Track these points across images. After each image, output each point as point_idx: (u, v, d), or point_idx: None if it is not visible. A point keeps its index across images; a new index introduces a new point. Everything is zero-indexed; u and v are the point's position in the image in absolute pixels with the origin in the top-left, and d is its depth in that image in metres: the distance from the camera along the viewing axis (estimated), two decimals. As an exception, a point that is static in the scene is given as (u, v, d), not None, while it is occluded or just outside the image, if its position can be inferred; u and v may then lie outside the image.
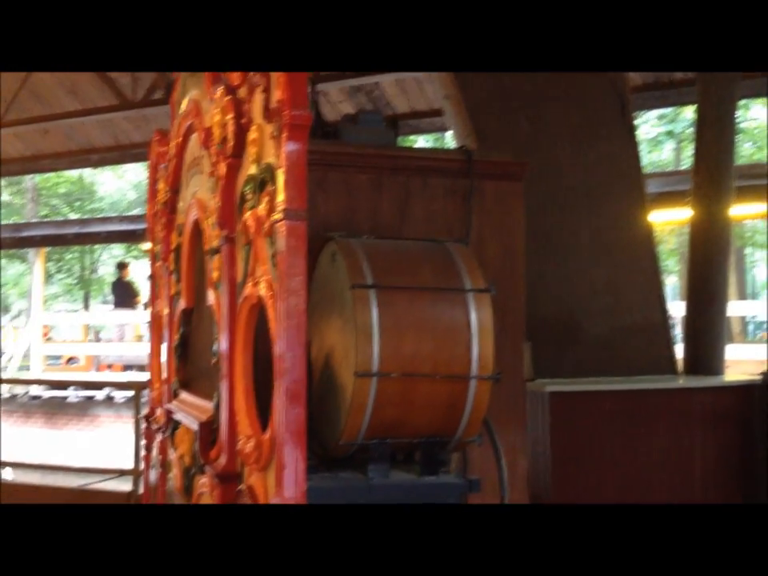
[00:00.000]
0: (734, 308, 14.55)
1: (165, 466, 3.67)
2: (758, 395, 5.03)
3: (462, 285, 2.57)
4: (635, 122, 5.81)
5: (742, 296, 19.33)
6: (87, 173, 31.41)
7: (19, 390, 14.27)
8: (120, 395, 13.23)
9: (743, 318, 18.18)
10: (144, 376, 6.94)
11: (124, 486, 6.36)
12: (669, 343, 5.46)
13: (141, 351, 13.93)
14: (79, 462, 8.92)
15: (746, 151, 18.18)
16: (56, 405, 13.92)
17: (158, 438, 3.83)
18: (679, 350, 5.69)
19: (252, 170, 2.33)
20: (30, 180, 28.55)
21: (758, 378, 5.15)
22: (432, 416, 2.52)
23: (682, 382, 5.28)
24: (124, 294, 15.61)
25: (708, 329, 5.51)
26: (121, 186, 33.83)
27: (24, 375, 16.09)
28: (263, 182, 2.20)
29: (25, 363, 16.81)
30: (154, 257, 4.25)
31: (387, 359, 2.42)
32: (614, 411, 4.92)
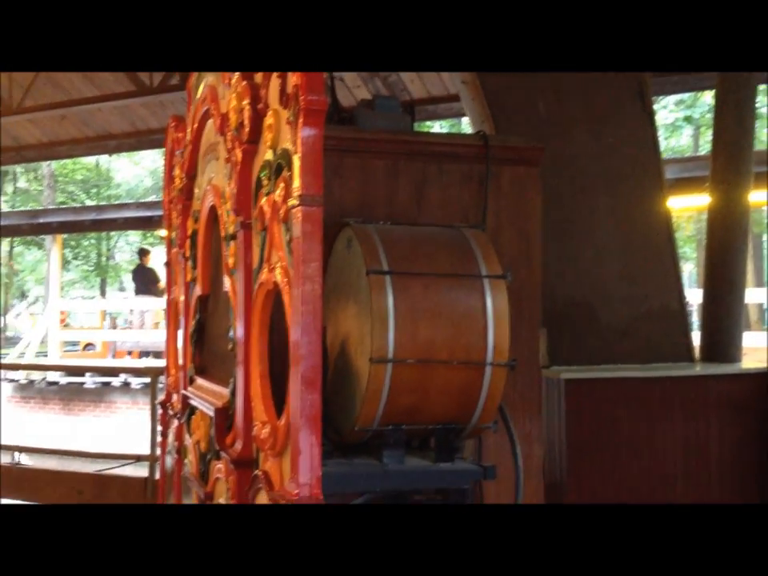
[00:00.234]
0: (752, 295, 14.44)
1: (181, 451, 3.69)
2: (775, 383, 5.00)
3: (478, 271, 2.56)
4: (653, 107, 5.75)
5: (760, 283, 19.18)
6: (104, 159, 31.51)
7: (36, 375, 14.37)
8: (136, 381, 13.31)
9: (761, 305, 18.05)
10: (161, 362, 6.97)
11: (140, 471, 6.40)
12: (686, 330, 5.42)
13: (158, 337, 14.01)
14: (96, 447, 8.99)
15: (765, 136, 18.02)
16: (73, 391, 14.02)
17: (174, 423, 3.84)
18: (696, 338, 5.66)
19: (268, 155, 2.33)
20: (47, 166, 28.67)
21: (776, 365, 5.11)
22: (447, 402, 2.52)
23: (698, 369, 5.25)
24: (145, 281, 15.67)
25: (725, 316, 5.47)
26: (137, 172, 33.92)
27: (41, 361, 16.22)
28: (279, 167, 2.20)
29: (42, 349, 16.94)
30: (170, 243, 4.25)
31: (403, 345, 2.42)
32: (631, 399, 4.90)
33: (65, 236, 20.16)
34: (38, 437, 11.62)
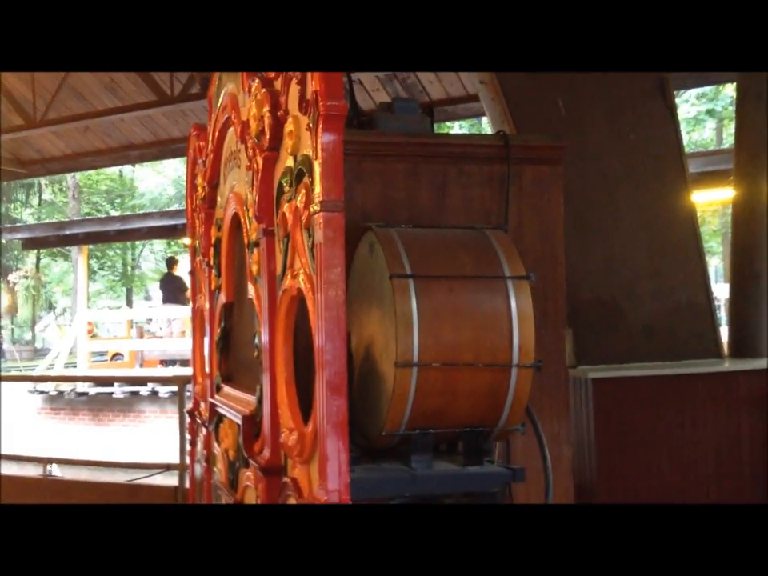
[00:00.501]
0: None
1: (210, 460, 3.70)
2: (805, 377, 4.94)
3: (502, 272, 2.55)
4: (675, 101, 5.71)
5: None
6: (127, 169, 31.82)
7: (66, 387, 14.49)
8: (164, 390, 13.39)
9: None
10: (188, 370, 7.01)
11: (170, 480, 6.42)
12: (714, 326, 5.37)
13: (184, 346, 14.08)
14: (126, 457, 9.05)
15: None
16: (102, 401, 14.14)
17: (203, 432, 3.86)
18: (724, 333, 5.60)
19: (289, 162, 2.33)
20: (72, 178, 28.97)
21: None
22: (474, 405, 2.50)
23: (727, 365, 5.19)
24: (173, 289, 15.76)
25: (753, 310, 5.41)
26: (160, 181, 34.20)
27: (70, 372, 16.35)
28: (300, 173, 2.20)
29: (71, 360, 17.08)
30: (194, 252, 4.27)
31: (428, 349, 2.41)
32: (659, 397, 4.86)
33: (90, 246, 20.31)
34: (69, 448, 11.73)
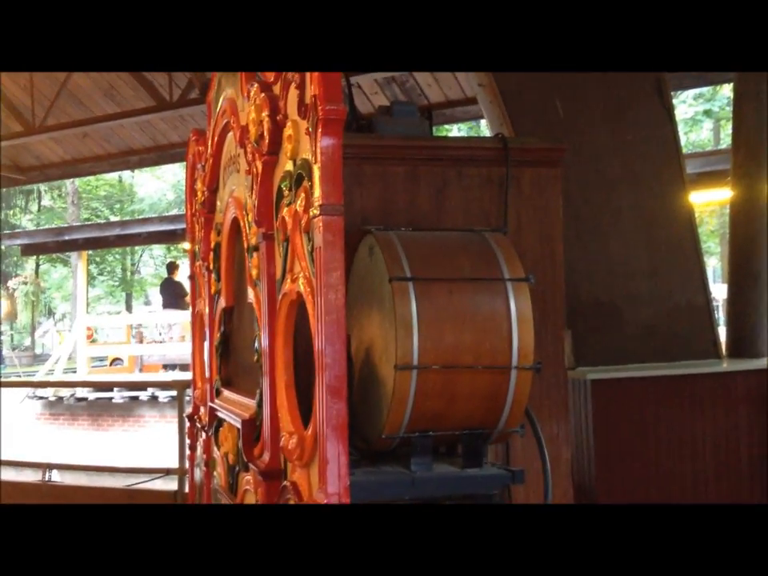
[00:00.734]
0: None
1: (209, 464, 3.70)
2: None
3: (501, 274, 2.55)
4: (672, 102, 5.72)
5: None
6: (126, 175, 31.83)
7: (65, 392, 14.48)
8: (164, 395, 13.38)
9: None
10: (187, 375, 7.01)
11: (170, 484, 6.42)
12: (712, 326, 5.38)
13: (184, 350, 14.08)
14: (125, 462, 9.04)
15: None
16: (101, 406, 14.13)
17: (202, 436, 3.86)
18: (722, 333, 5.61)
19: (288, 166, 2.34)
20: (71, 184, 28.99)
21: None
22: (473, 407, 2.51)
23: (726, 365, 5.20)
24: (173, 294, 15.76)
25: (751, 311, 5.42)
26: (159, 186, 34.22)
27: (70, 378, 16.34)
28: (299, 177, 2.21)
29: (70, 366, 17.08)
30: (193, 256, 4.28)
31: (427, 351, 2.42)
32: (658, 397, 4.87)
33: (90, 252, 20.33)
34: (68, 453, 11.71)
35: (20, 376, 22.23)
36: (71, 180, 26.98)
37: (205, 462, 3.78)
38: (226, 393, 3.43)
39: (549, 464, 2.78)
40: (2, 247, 26.51)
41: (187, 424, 4.46)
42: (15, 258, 32.25)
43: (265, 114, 2.47)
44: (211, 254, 3.62)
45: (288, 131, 2.32)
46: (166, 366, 16.00)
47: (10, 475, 7.49)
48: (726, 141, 21.97)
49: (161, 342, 17.73)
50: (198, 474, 4.10)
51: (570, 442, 3.26)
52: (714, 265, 24.95)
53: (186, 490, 5.56)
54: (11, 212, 33.54)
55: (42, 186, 30.96)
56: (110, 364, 19.97)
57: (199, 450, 4.04)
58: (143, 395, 13.82)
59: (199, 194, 3.82)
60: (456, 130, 23.21)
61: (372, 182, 3.06)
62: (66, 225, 24.95)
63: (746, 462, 4.90)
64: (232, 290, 3.40)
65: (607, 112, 5.40)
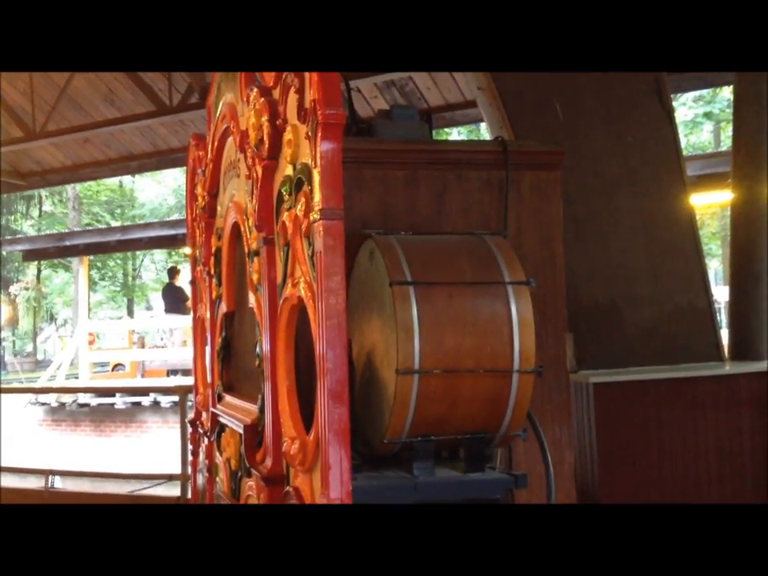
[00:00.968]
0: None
1: (212, 470, 3.70)
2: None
3: (502, 278, 2.55)
4: (672, 105, 5.72)
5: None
6: (127, 180, 31.86)
7: (67, 398, 14.47)
8: (166, 400, 13.38)
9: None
10: (189, 380, 7.01)
11: (173, 490, 6.42)
12: (714, 329, 5.37)
13: (185, 355, 14.08)
14: (128, 468, 9.04)
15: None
16: (104, 412, 14.11)
17: (205, 442, 3.86)
18: (724, 336, 5.60)
19: (288, 170, 2.34)
20: (72, 189, 29.00)
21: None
22: (475, 411, 2.51)
23: (728, 368, 5.19)
24: (174, 299, 15.76)
25: (753, 312, 5.41)
26: (160, 191, 34.24)
27: (72, 383, 16.34)
28: (299, 182, 2.21)
29: (72, 371, 17.07)
30: (194, 261, 4.28)
31: (428, 356, 2.41)
32: (660, 400, 4.86)
33: (91, 257, 20.32)
34: (71, 459, 11.71)
35: (22, 382, 22.23)
36: (72, 185, 27.04)
37: (207, 467, 3.77)
38: (228, 398, 3.43)
39: (552, 468, 2.78)
40: (4, 253, 26.55)
41: (189, 429, 4.45)
42: (16, 264, 32.26)
43: (264, 118, 2.47)
44: (212, 258, 3.62)
45: (288, 136, 2.32)
46: (169, 372, 15.99)
47: (12, 482, 7.49)
48: (726, 143, 21.96)
49: (162, 347, 17.73)
50: (201, 479, 4.10)
51: (573, 446, 3.25)
52: (716, 267, 24.94)
53: (189, 495, 5.56)
54: (12, 218, 33.56)
55: (43, 192, 30.97)
56: (112, 370, 19.96)
57: (201, 456, 4.04)
58: (145, 401, 13.81)
59: (200, 198, 3.82)
60: (456, 134, 23.22)
61: (372, 186, 3.06)
62: (67, 230, 24.99)
63: (749, 465, 4.89)
64: (233, 294, 3.40)
65: (607, 115, 5.40)
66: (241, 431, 2.84)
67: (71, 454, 12.68)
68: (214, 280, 3.60)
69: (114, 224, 29.86)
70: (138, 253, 31.45)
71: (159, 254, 33.12)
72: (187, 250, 5.23)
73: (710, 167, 10.04)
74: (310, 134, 2.10)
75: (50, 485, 7.04)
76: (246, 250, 2.88)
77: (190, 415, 4.47)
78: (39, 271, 33.92)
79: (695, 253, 5.42)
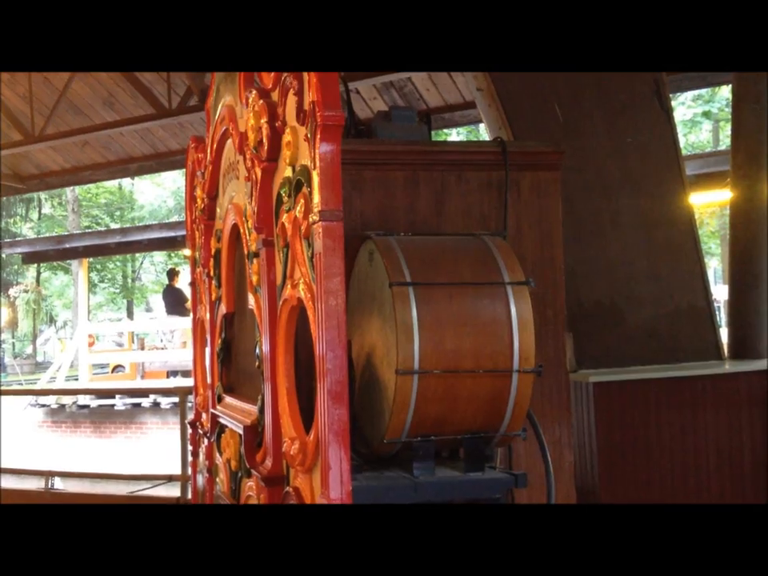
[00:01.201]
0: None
1: (212, 470, 3.70)
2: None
3: (501, 278, 2.55)
4: (671, 104, 5.72)
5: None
6: (126, 182, 31.86)
7: (67, 400, 14.48)
8: (166, 401, 13.38)
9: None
10: (189, 381, 7.02)
11: (173, 491, 6.42)
12: (713, 328, 5.37)
13: (185, 357, 14.08)
14: (128, 469, 9.04)
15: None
16: (104, 413, 14.12)
17: (205, 442, 3.86)
18: (724, 335, 5.60)
19: (287, 172, 2.34)
20: (71, 192, 28.99)
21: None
22: (475, 411, 2.51)
23: (728, 367, 5.19)
24: (174, 301, 15.77)
25: (752, 311, 5.41)
26: (159, 193, 34.26)
27: (72, 385, 16.34)
28: (299, 183, 2.21)
29: (72, 373, 17.07)
30: (194, 263, 4.28)
31: (428, 356, 2.42)
32: (660, 399, 4.86)
33: (90, 259, 20.33)
34: (71, 461, 11.71)
35: (22, 384, 22.24)
36: (71, 188, 27.00)
37: (207, 468, 3.78)
38: (228, 399, 3.43)
39: (551, 467, 2.78)
40: (3, 255, 26.55)
41: (189, 430, 4.46)
42: (16, 267, 32.29)
43: (263, 120, 2.47)
44: (212, 260, 3.63)
45: (287, 137, 2.32)
46: (169, 373, 16.00)
47: (12, 483, 7.49)
48: (725, 142, 21.98)
49: (162, 349, 17.73)
50: (201, 480, 4.10)
51: (573, 445, 3.26)
52: (715, 266, 24.95)
53: (189, 496, 5.56)
54: (12, 220, 33.58)
55: (43, 195, 31.00)
56: (112, 371, 19.97)
57: (201, 457, 4.04)
58: (145, 402, 13.82)
59: (199, 200, 3.82)
60: (455, 134, 23.23)
61: (371, 187, 3.07)
62: (66, 233, 24.97)
63: (749, 463, 4.90)
64: (233, 296, 3.41)
65: (606, 114, 5.41)
66: (241, 432, 2.85)
67: (71, 456, 12.68)
68: (213, 281, 3.61)
69: (114, 226, 29.87)
70: (137, 255, 31.44)
71: (159, 256, 33.11)
72: (187, 251, 5.23)
73: (709, 166, 10.05)
74: (309, 135, 2.10)
75: (50, 486, 7.04)
76: (246, 252, 2.88)
77: (190, 416, 4.47)
78: (39, 273, 33.92)
79: (694, 252, 5.43)
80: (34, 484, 7.40)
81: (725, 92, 19.31)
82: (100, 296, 34.44)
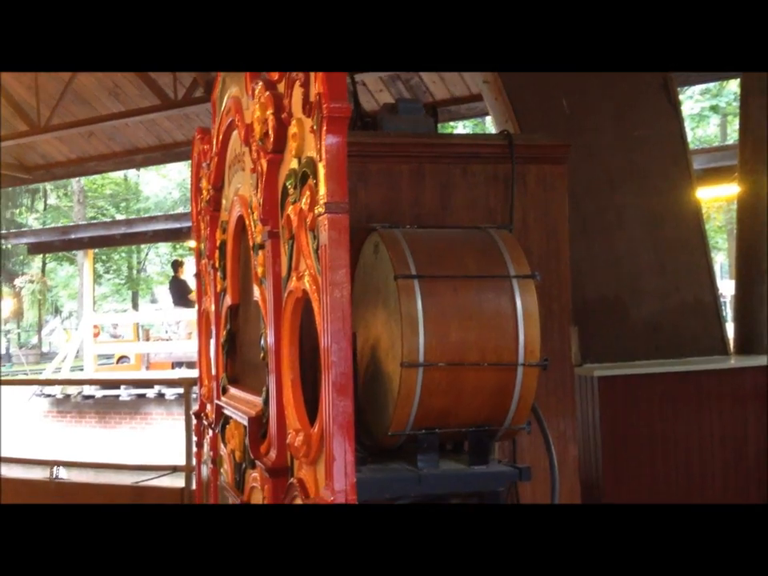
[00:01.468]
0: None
1: (216, 461, 3.71)
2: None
3: (507, 272, 2.55)
4: (679, 98, 5.70)
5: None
6: (132, 173, 31.89)
7: (72, 390, 14.52)
8: (171, 392, 13.42)
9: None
10: (194, 372, 7.03)
11: (177, 482, 6.44)
12: (719, 323, 5.36)
13: (190, 348, 14.12)
14: (133, 459, 9.06)
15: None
16: (109, 404, 14.17)
17: (209, 433, 3.87)
18: (730, 330, 5.59)
19: (293, 164, 2.34)
20: (77, 183, 29.03)
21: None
22: (480, 404, 2.51)
23: (733, 362, 5.19)
24: (180, 293, 15.80)
25: (759, 307, 5.40)
26: (165, 184, 34.28)
27: (77, 375, 16.40)
28: (304, 176, 2.21)
29: (77, 364, 17.13)
30: (199, 254, 4.29)
31: (433, 349, 2.42)
32: (665, 394, 4.86)
33: (96, 250, 20.38)
34: (75, 450, 11.75)
35: (27, 374, 22.31)
36: (77, 179, 27.04)
37: (212, 459, 3.78)
38: (233, 390, 3.44)
39: (556, 461, 2.78)
40: (9, 246, 26.61)
41: (194, 421, 4.47)
42: (22, 257, 32.35)
43: (269, 112, 2.47)
44: (217, 251, 3.62)
45: (293, 129, 2.32)
46: (174, 364, 16.05)
47: (17, 472, 7.52)
48: (732, 136, 21.92)
49: (167, 340, 17.77)
50: (205, 471, 4.11)
51: (577, 439, 3.25)
52: (722, 261, 24.90)
53: (193, 487, 5.58)
54: (17, 211, 33.64)
55: (48, 185, 31.04)
56: (117, 362, 20.03)
57: (206, 448, 4.05)
58: (150, 393, 13.86)
59: (204, 192, 3.82)
60: (461, 127, 23.19)
61: (377, 179, 3.06)
62: (71, 223, 25.01)
63: (753, 458, 4.89)
64: (238, 287, 3.41)
65: (613, 108, 5.39)
66: (245, 423, 2.85)
67: (76, 446, 12.73)
68: (218, 273, 3.61)
69: (119, 217, 29.91)
70: (142, 246, 31.49)
71: (164, 248, 33.14)
72: (192, 243, 5.24)
73: (716, 161, 10.02)
74: (315, 127, 2.10)
75: (54, 476, 7.06)
76: (251, 244, 2.88)
77: (195, 407, 4.48)
78: (44, 264, 34.00)
79: (701, 246, 5.42)
80: (38, 474, 7.43)
81: (733, 86, 19.24)
82: (105, 287, 34.51)
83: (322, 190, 2.04)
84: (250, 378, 3.29)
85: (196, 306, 4.47)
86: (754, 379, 4.96)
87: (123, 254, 33.47)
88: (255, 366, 3.03)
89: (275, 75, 2.54)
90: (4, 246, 29.02)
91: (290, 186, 2.36)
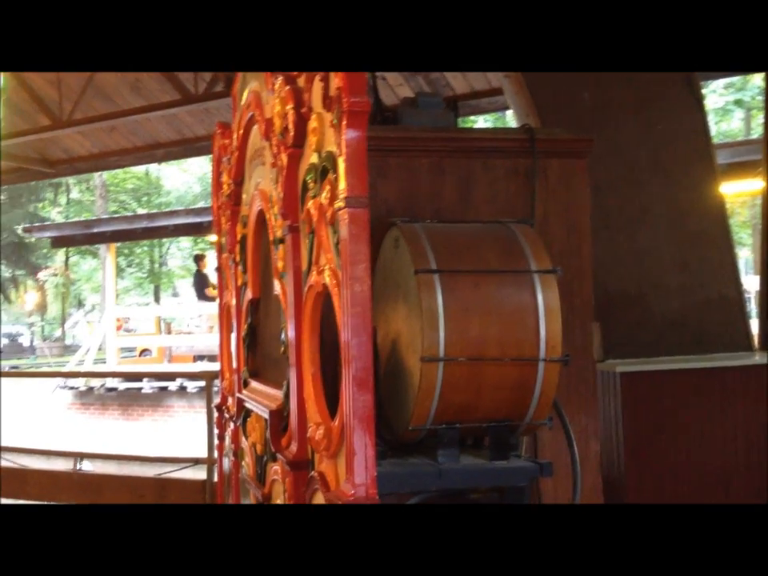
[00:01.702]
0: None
1: (238, 454, 3.73)
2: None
3: (528, 266, 2.53)
4: (702, 92, 5.65)
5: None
6: (153, 168, 32.04)
7: (96, 382, 14.64)
8: (192, 385, 13.49)
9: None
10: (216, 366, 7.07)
11: (199, 474, 6.48)
12: (744, 319, 5.31)
13: (212, 341, 14.18)
14: (155, 451, 9.13)
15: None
16: (131, 396, 14.26)
17: (231, 426, 3.88)
18: (754, 325, 5.54)
19: (313, 158, 2.34)
20: (99, 177, 29.21)
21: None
22: (501, 400, 2.50)
23: (758, 358, 5.14)
24: (202, 286, 15.88)
25: (783, 302, 5.36)
26: (186, 179, 34.43)
27: (100, 368, 16.52)
28: (324, 170, 2.21)
29: (100, 356, 17.26)
30: (220, 249, 4.30)
31: (454, 344, 2.41)
32: (688, 390, 4.82)
33: (118, 244, 20.50)
34: (99, 442, 11.85)
35: (51, 366, 22.52)
36: (99, 173, 27.21)
37: (233, 451, 3.80)
38: (254, 384, 3.45)
39: (578, 457, 2.76)
40: (33, 239, 26.83)
41: (216, 414, 4.49)
42: (45, 251, 32.64)
43: (289, 106, 2.47)
44: (238, 246, 3.63)
45: (313, 124, 2.32)
46: (195, 358, 16.14)
47: (41, 464, 7.60)
48: (757, 131, 21.69)
49: (189, 333, 17.86)
50: (227, 463, 4.13)
51: (599, 436, 3.24)
52: (746, 256, 24.68)
53: (215, 479, 5.61)
54: (41, 205, 33.93)
55: (71, 180, 31.25)
56: (139, 355, 20.16)
57: (227, 440, 4.07)
58: (172, 386, 13.94)
59: (225, 186, 3.83)
60: (482, 121, 23.11)
61: (397, 174, 3.05)
62: (94, 217, 25.18)
63: (778, 456, 4.85)
64: (258, 281, 3.41)
65: (636, 102, 5.35)
66: (266, 416, 2.86)
67: (99, 437, 12.83)
68: (239, 267, 3.62)
69: (141, 211, 30.08)
70: (164, 240, 31.68)
71: (185, 242, 33.29)
72: (213, 237, 5.25)
73: (740, 155, 9.91)
74: (335, 122, 2.09)
75: (78, 467, 7.13)
76: (271, 238, 2.88)
77: (216, 400, 4.50)
78: (67, 258, 34.29)
79: (725, 242, 5.37)
80: (62, 465, 7.50)
81: (757, 80, 19.04)
82: (127, 281, 34.73)
83: (342, 184, 2.04)
84: (271, 371, 3.30)
85: (216, 300, 4.49)
86: (778, 376, 4.91)
87: (145, 248, 33.69)
88: (276, 359, 3.03)
89: (295, 70, 2.54)
90: (28, 240, 29.28)
91: (310, 181, 2.36)
